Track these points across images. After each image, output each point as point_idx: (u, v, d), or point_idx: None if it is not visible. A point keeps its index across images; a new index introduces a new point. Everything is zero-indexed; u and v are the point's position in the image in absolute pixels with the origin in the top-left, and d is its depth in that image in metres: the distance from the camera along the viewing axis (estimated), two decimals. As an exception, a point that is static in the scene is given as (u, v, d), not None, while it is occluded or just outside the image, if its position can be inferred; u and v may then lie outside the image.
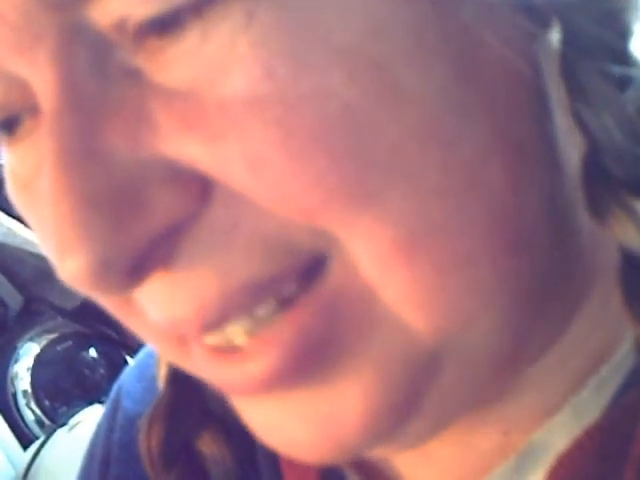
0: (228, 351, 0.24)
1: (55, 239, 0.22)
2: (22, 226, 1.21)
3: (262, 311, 0.24)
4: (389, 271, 0.23)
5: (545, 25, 0.25)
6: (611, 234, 0.25)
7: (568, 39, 0.25)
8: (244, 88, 0.21)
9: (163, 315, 0.24)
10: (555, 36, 0.26)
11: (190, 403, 0.36)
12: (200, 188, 0.22)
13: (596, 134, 0.25)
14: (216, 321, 0.24)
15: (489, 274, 0.24)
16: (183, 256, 0.23)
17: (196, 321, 0.24)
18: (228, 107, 0.21)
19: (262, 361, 0.24)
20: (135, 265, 0.22)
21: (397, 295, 0.23)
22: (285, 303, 0.24)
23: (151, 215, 0.22)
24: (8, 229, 1.23)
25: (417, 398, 0.25)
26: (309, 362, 0.24)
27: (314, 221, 0.22)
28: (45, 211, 0.22)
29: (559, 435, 0.29)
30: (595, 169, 0.25)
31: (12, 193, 0.27)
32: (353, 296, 0.24)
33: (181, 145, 0.22)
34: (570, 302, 0.28)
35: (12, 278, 1.32)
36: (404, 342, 0.24)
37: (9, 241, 1.24)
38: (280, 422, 0.26)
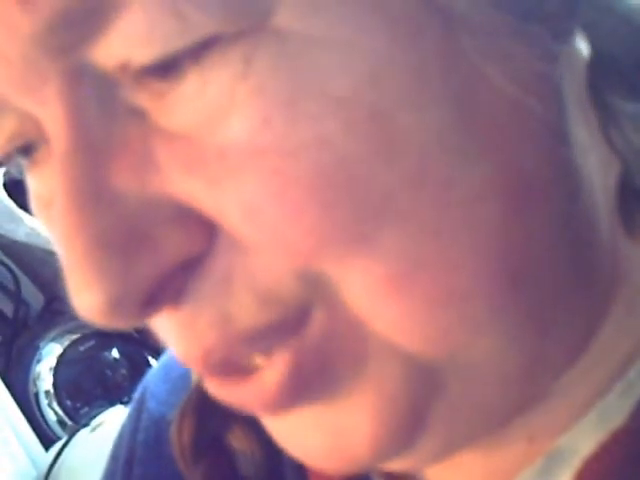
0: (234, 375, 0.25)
1: (70, 275, 0.23)
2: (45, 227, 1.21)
3: (264, 354, 0.25)
4: (381, 303, 0.23)
5: (556, 57, 0.25)
6: None
7: (595, 62, 0.25)
8: (242, 136, 0.21)
9: (174, 350, 0.25)
10: (579, 62, 0.25)
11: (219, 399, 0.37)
12: (207, 229, 0.23)
13: (627, 156, 0.25)
14: (221, 362, 0.24)
15: (484, 307, 0.24)
16: (189, 297, 0.24)
17: (202, 362, 0.24)
18: (227, 154, 0.21)
19: (273, 373, 0.25)
20: (146, 300, 0.23)
21: (389, 325, 0.24)
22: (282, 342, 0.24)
23: (160, 252, 0.23)
24: (31, 229, 1.24)
25: (422, 413, 0.25)
26: (304, 389, 0.25)
27: (305, 266, 0.22)
28: (60, 247, 0.23)
29: (585, 439, 0.29)
30: (628, 187, 0.26)
31: (35, 212, 0.28)
32: (341, 330, 0.24)
33: (184, 187, 0.22)
34: (592, 314, 0.28)
35: (34, 278, 1.33)
36: (400, 363, 0.24)
37: (32, 241, 1.24)
38: (297, 433, 0.27)
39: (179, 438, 0.37)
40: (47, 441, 1.18)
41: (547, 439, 0.30)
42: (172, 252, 0.23)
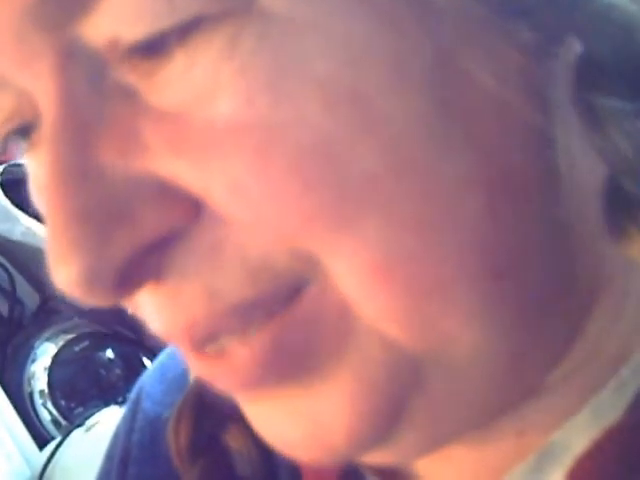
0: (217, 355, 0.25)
1: (50, 248, 0.23)
2: (41, 225, 1.21)
3: (251, 329, 0.24)
4: (368, 290, 0.23)
5: (547, 56, 0.25)
6: (629, 255, 0.25)
7: (581, 67, 0.25)
8: (227, 114, 0.22)
9: (157, 327, 0.25)
10: (566, 65, 0.25)
11: (219, 396, 0.37)
12: (190, 206, 0.23)
13: (613, 161, 0.25)
14: (206, 337, 0.25)
15: (469, 298, 0.24)
16: (174, 271, 0.24)
17: (187, 336, 0.25)
18: (212, 132, 0.22)
19: (250, 348, 0.25)
20: (123, 275, 0.23)
21: (374, 311, 0.24)
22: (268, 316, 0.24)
23: (138, 228, 0.23)
24: (27, 228, 1.24)
25: (401, 403, 0.25)
26: (282, 364, 0.25)
27: (293, 244, 0.23)
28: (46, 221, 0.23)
29: (578, 436, 0.29)
30: (614, 191, 0.26)
31: (34, 195, 0.28)
32: (329, 313, 0.24)
33: (170, 165, 0.23)
34: (576, 312, 0.28)
35: (29, 277, 1.33)
36: (382, 352, 0.25)
37: (28, 240, 1.24)
38: (274, 420, 0.27)
39: (176, 438, 0.37)
40: (41, 441, 1.18)
41: (539, 435, 0.30)
42: (151, 227, 0.23)
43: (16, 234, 1.25)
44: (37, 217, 1.31)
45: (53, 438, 1.18)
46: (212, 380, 0.27)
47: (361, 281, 0.23)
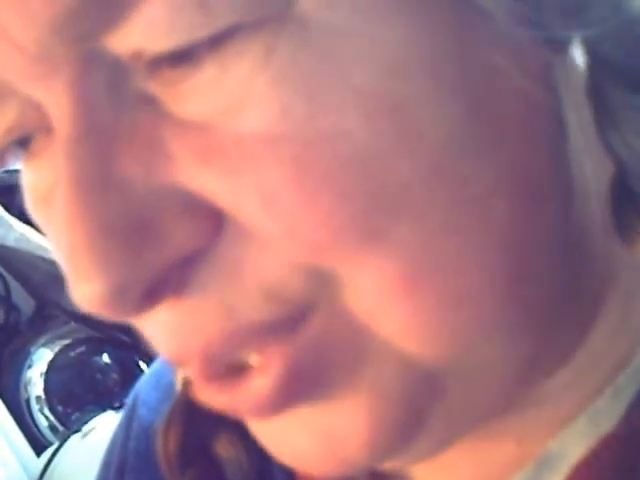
0: (224, 381, 0.25)
1: (70, 264, 0.22)
2: (35, 232, 1.21)
3: (262, 349, 0.24)
4: (390, 303, 0.23)
5: (564, 50, 0.25)
6: (638, 255, 0.25)
7: (596, 64, 0.25)
8: (261, 126, 0.21)
9: (167, 347, 0.25)
10: (578, 60, 0.25)
11: (207, 406, 0.36)
12: (214, 221, 0.22)
13: (624, 158, 0.25)
14: (219, 357, 0.24)
15: (493, 307, 0.24)
16: (193, 286, 0.23)
17: (200, 355, 0.24)
18: (244, 143, 0.21)
19: (267, 377, 0.24)
20: (148, 292, 0.23)
21: (396, 325, 0.24)
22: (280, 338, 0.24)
23: (166, 243, 0.22)
24: (21, 234, 1.24)
25: (421, 416, 0.25)
26: (299, 389, 0.24)
27: (318, 257, 0.22)
28: (60, 236, 0.22)
29: (576, 444, 0.29)
30: (622, 192, 0.25)
31: (30, 206, 0.27)
32: (341, 331, 0.24)
33: (197, 177, 0.22)
34: (584, 319, 0.28)
35: (25, 283, 1.32)
36: (401, 366, 0.24)
37: (22, 246, 1.24)
38: (286, 436, 0.27)
39: (165, 447, 0.37)
40: (38, 447, 1.17)
41: (537, 443, 0.30)
42: (178, 244, 0.22)
43: (10, 240, 1.25)
44: (31, 223, 1.31)
45: (50, 444, 1.17)
46: (225, 408, 0.26)
47: (384, 297, 0.23)
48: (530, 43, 0.23)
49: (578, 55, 0.26)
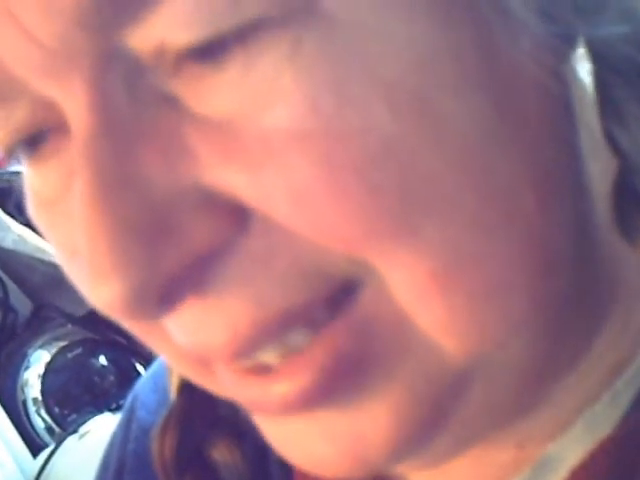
0: (258, 372, 0.24)
1: (89, 265, 0.22)
2: (32, 233, 1.21)
3: (294, 337, 0.24)
4: (424, 300, 0.23)
5: (574, 44, 0.25)
6: None
7: (602, 61, 0.25)
8: (288, 122, 0.21)
9: (193, 341, 0.24)
10: (586, 56, 0.25)
11: (202, 410, 0.36)
12: (236, 217, 0.22)
13: (629, 155, 0.25)
14: (248, 348, 0.24)
15: (522, 299, 0.24)
16: (216, 283, 0.23)
17: (228, 349, 0.23)
18: (269, 140, 0.21)
19: (293, 382, 0.24)
20: (169, 291, 0.22)
21: (430, 322, 0.23)
22: (317, 326, 0.23)
23: (187, 242, 0.22)
24: (19, 236, 1.24)
25: (444, 415, 0.25)
26: (340, 384, 0.24)
27: (353, 251, 0.22)
28: (78, 236, 0.22)
29: (573, 448, 0.29)
30: (627, 189, 0.25)
31: (33, 211, 0.27)
32: (385, 320, 0.23)
33: (220, 175, 0.22)
34: (594, 320, 0.28)
35: (22, 285, 1.33)
36: (434, 363, 0.24)
37: (19, 248, 1.24)
38: (303, 439, 0.26)
39: (161, 452, 0.36)
40: (35, 448, 1.18)
41: (536, 447, 0.30)
42: (199, 241, 0.22)
43: (8, 242, 1.25)
44: (29, 225, 1.31)
45: (47, 446, 1.17)
46: (251, 402, 0.26)
47: (418, 291, 0.23)
48: (546, 38, 0.24)
49: (586, 51, 0.26)
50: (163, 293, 0.22)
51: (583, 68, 0.26)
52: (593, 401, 0.29)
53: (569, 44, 0.24)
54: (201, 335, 0.24)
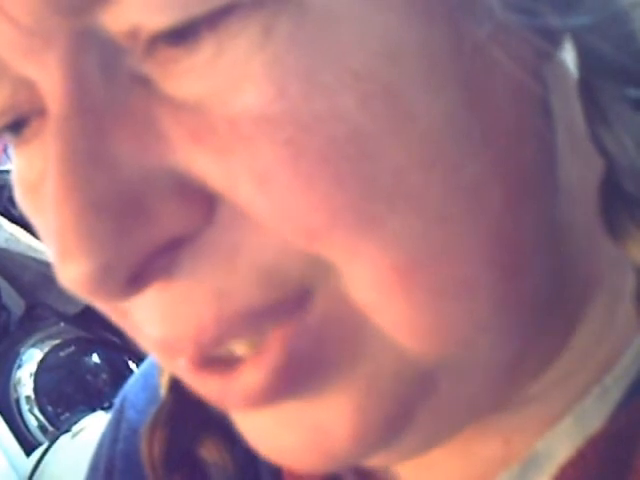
0: (224, 363, 0.24)
1: (57, 243, 0.22)
2: (25, 232, 1.21)
3: (257, 336, 0.24)
4: (385, 296, 0.23)
5: (557, 44, 0.25)
6: (628, 254, 0.25)
7: (585, 60, 0.25)
8: (256, 106, 0.21)
9: (159, 332, 0.24)
10: (569, 55, 0.25)
11: (191, 410, 0.36)
12: (206, 204, 0.22)
13: (614, 155, 0.25)
14: (212, 342, 0.24)
15: (487, 298, 0.24)
16: (183, 272, 0.23)
17: (193, 341, 0.23)
18: (238, 123, 0.21)
19: (253, 376, 0.24)
20: (136, 273, 0.22)
21: (392, 320, 0.23)
22: (273, 326, 0.24)
23: (156, 225, 0.22)
24: (11, 235, 1.24)
25: (410, 412, 0.25)
26: (293, 382, 0.24)
27: (314, 243, 0.22)
28: (48, 214, 0.22)
29: (562, 444, 0.29)
30: (612, 190, 0.25)
31: (19, 197, 0.27)
32: (341, 322, 0.23)
33: (190, 157, 0.22)
34: (569, 319, 0.28)
35: (15, 283, 1.32)
36: (395, 361, 0.24)
37: (12, 247, 1.24)
38: (271, 431, 0.26)
39: (150, 451, 0.36)
40: (28, 447, 1.18)
41: (524, 442, 0.30)
42: (168, 225, 0.22)
43: (0, 241, 1.24)
44: (20, 223, 1.31)
45: (40, 444, 1.17)
46: (214, 397, 0.26)
47: (380, 287, 0.23)
48: (524, 34, 0.23)
49: (569, 51, 0.26)
50: (129, 274, 0.22)
51: (567, 68, 0.26)
52: (582, 397, 0.29)
53: (551, 43, 0.24)
54: (167, 327, 0.24)
